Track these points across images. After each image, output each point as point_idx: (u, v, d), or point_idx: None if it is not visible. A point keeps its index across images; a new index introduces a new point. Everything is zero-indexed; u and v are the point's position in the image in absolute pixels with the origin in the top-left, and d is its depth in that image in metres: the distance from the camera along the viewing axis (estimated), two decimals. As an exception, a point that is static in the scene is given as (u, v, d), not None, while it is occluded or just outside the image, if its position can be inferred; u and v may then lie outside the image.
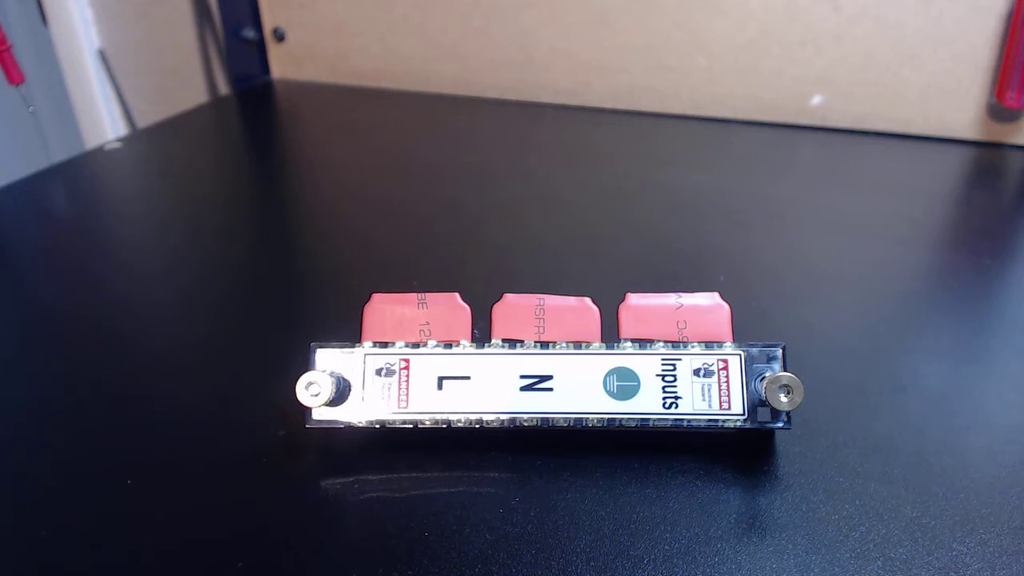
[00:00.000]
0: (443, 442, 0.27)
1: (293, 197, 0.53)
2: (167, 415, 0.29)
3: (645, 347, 0.26)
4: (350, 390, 0.26)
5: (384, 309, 0.27)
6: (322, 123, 0.70)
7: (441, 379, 0.26)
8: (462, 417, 0.26)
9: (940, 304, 0.37)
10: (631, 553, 0.22)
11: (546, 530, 0.23)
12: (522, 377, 0.26)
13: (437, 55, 0.71)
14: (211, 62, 0.86)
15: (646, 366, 0.26)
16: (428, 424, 0.26)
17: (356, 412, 0.26)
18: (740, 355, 0.26)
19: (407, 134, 0.64)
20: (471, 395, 0.26)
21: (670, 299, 0.27)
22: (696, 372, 0.26)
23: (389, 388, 0.26)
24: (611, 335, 0.26)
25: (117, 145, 0.61)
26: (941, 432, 0.27)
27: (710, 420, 0.25)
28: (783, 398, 0.24)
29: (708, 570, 0.22)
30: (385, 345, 0.27)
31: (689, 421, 0.25)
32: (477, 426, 0.26)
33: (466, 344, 0.26)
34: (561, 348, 0.26)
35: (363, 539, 0.23)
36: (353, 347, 0.26)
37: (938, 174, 0.54)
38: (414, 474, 0.26)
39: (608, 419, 0.25)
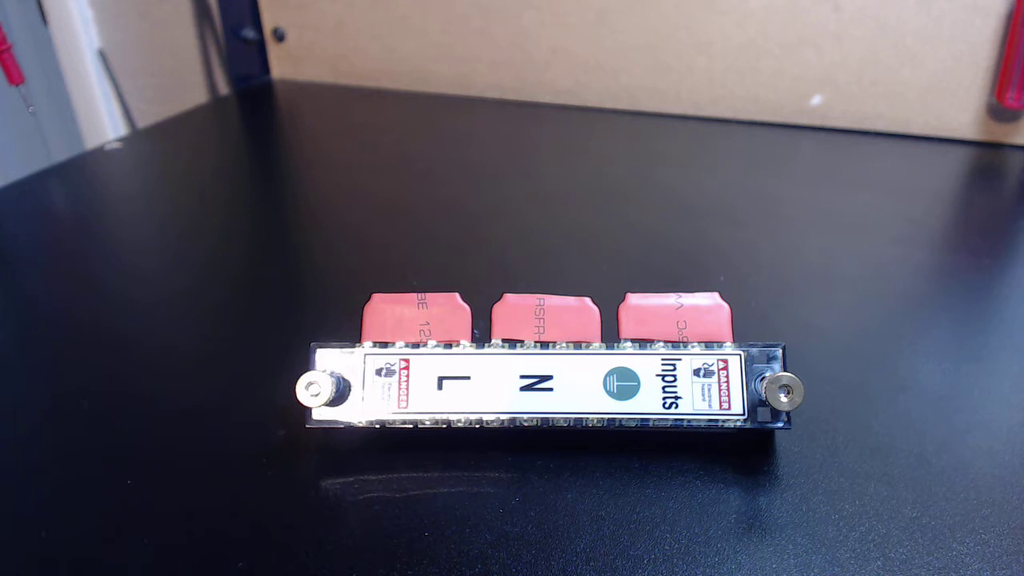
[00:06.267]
0: (443, 442, 0.27)
1: (293, 197, 0.53)
2: (167, 415, 0.29)
3: (645, 347, 0.26)
4: (350, 390, 0.26)
5: (384, 309, 0.27)
6: (322, 123, 0.70)
7: (441, 379, 0.26)
8: (462, 417, 0.26)
9: (940, 304, 0.37)
10: (631, 553, 0.22)
11: (546, 530, 0.23)
12: (522, 377, 0.26)
13: (437, 55, 0.71)
14: (211, 62, 0.86)
15: (646, 366, 0.26)
16: (428, 424, 0.26)
17: (356, 412, 0.26)
18: (740, 355, 0.26)
19: (407, 134, 0.64)
20: (471, 395, 0.26)
21: (670, 299, 0.27)
22: (696, 372, 0.26)
23: (389, 388, 0.26)
24: (611, 335, 0.26)
25: (117, 145, 0.61)
26: (941, 432, 0.27)
27: (710, 420, 0.25)
28: (783, 398, 0.24)
29: (708, 570, 0.22)
30: (385, 345, 0.27)
31: (689, 421, 0.25)
32: (477, 426, 0.26)
33: (466, 344, 0.26)
34: (561, 348, 0.26)
35: (363, 539, 0.23)
36: (353, 347, 0.26)
37: (938, 174, 0.54)
38: (414, 474, 0.26)
39: (608, 419, 0.25)
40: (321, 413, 0.26)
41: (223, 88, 0.87)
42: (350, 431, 0.27)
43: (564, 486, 0.25)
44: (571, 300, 0.27)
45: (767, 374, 0.25)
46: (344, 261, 0.43)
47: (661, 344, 0.26)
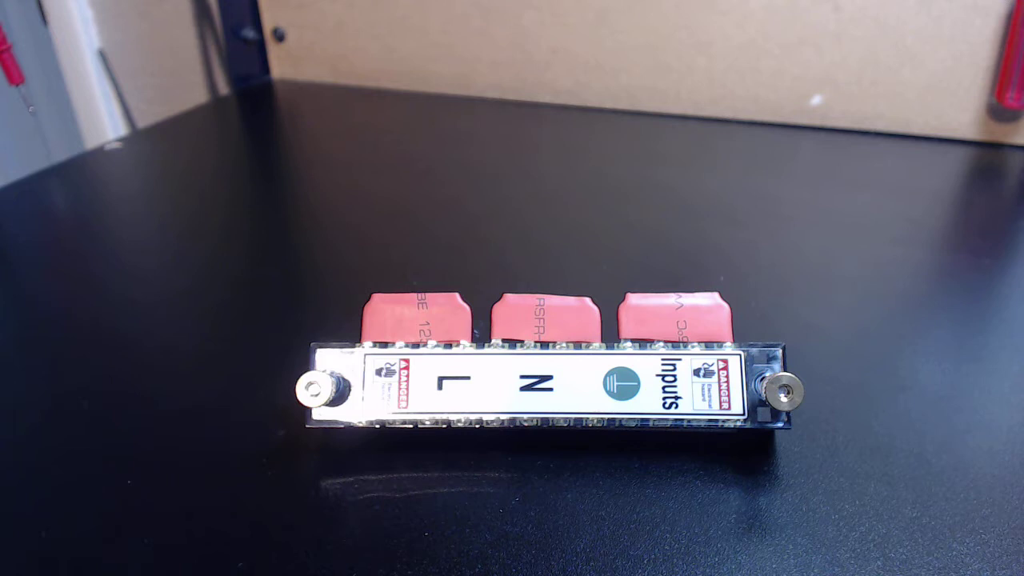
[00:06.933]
0: (443, 442, 0.27)
1: (293, 197, 0.53)
2: (167, 415, 0.29)
3: (645, 347, 0.26)
4: (350, 390, 0.26)
5: (384, 309, 0.27)
6: (322, 123, 0.70)
7: (441, 379, 0.26)
8: (462, 417, 0.26)
9: (940, 304, 0.37)
10: (631, 553, 0.22)
11: (546, 530, 0.23)
12: (522, 377, 0.26)
13: (437, 55, 0.71)
14: (211, 62, 0.86)
15: (646, 366, 0.26)
16: (428, 424, 0.26)
17: (356, 412, 0.26)
18: (740, 355, 0.26)
19: (407, 134, 0.64)
20: (471, 395, 0.26)
21: (670, 299, 0.27)
22: (696, 372, 0.26)
23: (389, 388, 0.26)
24: (611, 335, 0.26)
25: (117, 145, 0.61)
26: (941, 432, 0.27)
27: (710, 420, 0.25)
28: (783, 398, 0.24)
29: (708, 570, 0.22)
30: (385, 345, 0.27)
31: (689, 421, 0.25)
32: (477, 426, 0.26)
33: (466, 344, 0.26)
34: (561, 348, 0.26)
35: (363, 539, 0.23)
36: (353, 347, 0.26)
37: (938, 174, 0.54)
38: (414, 474, 0.26)
39: (608, 419, 0.25)
40: (321, 413, 0.26)
41: (223, 88, 0.87)
42: (350, 431, 0.27)
43: (564, 486, 0.25)
44: (571, 300, 0.27)
45: (767, 374, 0.25)
46: (344, 261, 0.43)
47: (661, 344, 0.26)
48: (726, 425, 0.25)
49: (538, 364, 0.26)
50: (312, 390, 0.25)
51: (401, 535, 0.23)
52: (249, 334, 0.35)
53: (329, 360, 0.26)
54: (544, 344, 0.26)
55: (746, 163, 0.56)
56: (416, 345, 0.26)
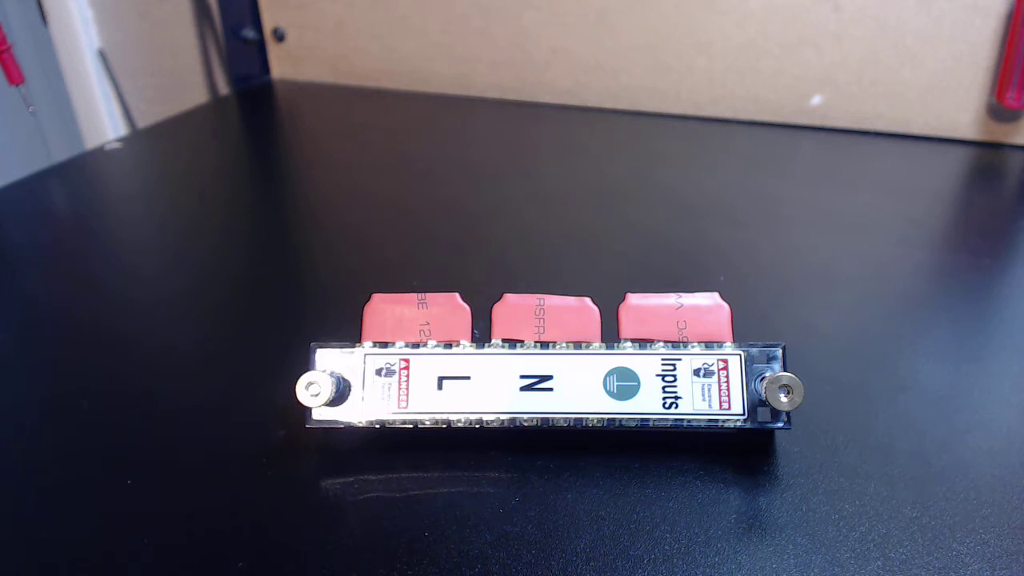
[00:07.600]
0: (443, 442, 0.27)
1: (293, 197, 0.53)
2: (167, 415, 0.29)
3: (645, 347, 0.26)
4: (350, 390, 0.26)
5: (384, 309, 0.27)
6: (322, 123, 0.70)
7: (441, 379, 0.26)
8: (462, 417, 0.26)
9: (940, 304, 0.37)
10: (631, 553, 0.22)
11: (546, 530, 0.23)
12: (522, 377, 0.26)
13: (437, 55, 0.71)
14: (211, 62, 0.86)
15: (646, 366, 0.26)
16: (428, 424, 0.26)
17: (356, 412, 0.26)
18: (740, 355, 0.26)
19: (407, 134, 0.64)
20: (471, 395, 0.26)
21: (670, 299, 0.27)
22: (696, 372, 0.26)
23: (389, 388, 0.26)
24: (611, 335, 0.26)
25: (117, 145, 0.61)
26: (941, 432, 0.27)
27: (710, 420, 0.25)
28: (783, 398, 0.24)
29: (708, 570, 0.22)
30: (385, 345, 0.27)
31: (689, 421, 0.25)
32: (477, 426, 0.26)
33: (466, 344, 0.26)
34: (561, 348, 0.26)
35: (363, 539, 0.23)
36: (353, 347, 0.26)
37: (938, 174, 0.54)
38: (414, 474, 0.26)
39: (608, 419, 0.25)
40: (321, 413, 0.26)
41: (223, 88, 0.87)
42: (350, 431, 0.27)
43: (564, 486, 0.25)
44: (571, 300, 0.27)
45: (767, 374, 0.25)
46: (344, 261, 0.43)
47: (661, 344, 0.26)
48: (726, 425, 0.25)
49: (538, 364, 0.26)
50: (312, 390, 0.25)
51: (401, 535, 0.23)
52: (249, 334, 0.35)
53: (329, 360, 0.26)
54: (544, 344, 0.26)
55: (746, 163, 0.56)
56: (416, 345, 0.26)
